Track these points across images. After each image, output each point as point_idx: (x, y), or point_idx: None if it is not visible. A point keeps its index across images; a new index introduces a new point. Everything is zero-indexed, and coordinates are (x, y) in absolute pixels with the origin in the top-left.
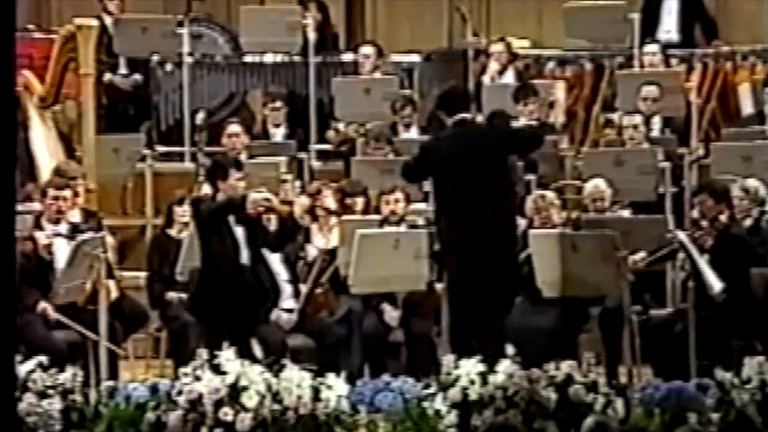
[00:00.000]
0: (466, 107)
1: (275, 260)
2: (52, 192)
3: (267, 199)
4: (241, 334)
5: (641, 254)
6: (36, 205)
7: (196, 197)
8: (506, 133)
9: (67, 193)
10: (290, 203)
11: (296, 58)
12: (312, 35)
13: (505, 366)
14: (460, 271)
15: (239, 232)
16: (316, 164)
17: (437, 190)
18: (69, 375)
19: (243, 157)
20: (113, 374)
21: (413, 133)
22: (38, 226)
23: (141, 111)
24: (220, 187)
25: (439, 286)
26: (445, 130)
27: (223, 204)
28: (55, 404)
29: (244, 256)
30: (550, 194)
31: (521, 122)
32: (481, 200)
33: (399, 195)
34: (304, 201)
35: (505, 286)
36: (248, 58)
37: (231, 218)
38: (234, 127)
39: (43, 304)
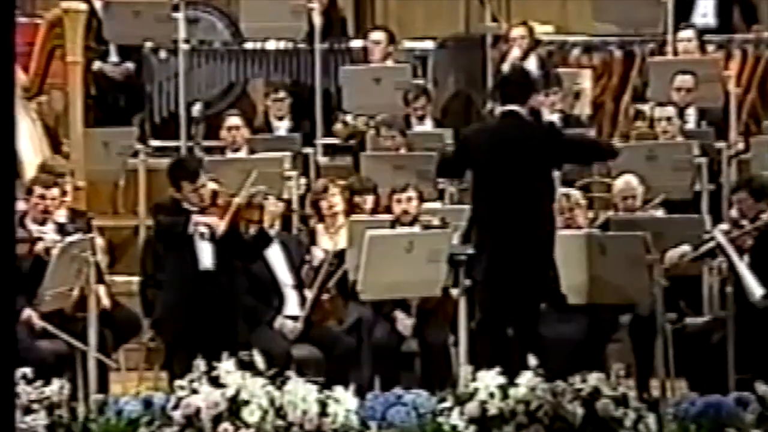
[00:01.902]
0: (524, 97)
1: (278, 264)
2: (38, 190)
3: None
4: (214, 347)
5: (684, 247)
6: (20, 205)
7: (157, 203)
8: (558, 139)
9: (55, 191)
10: (261, 208)
11: (301, 45)
12: (318, 20)
13: (527, 378)
14: (490, 275)
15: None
16: (322, 160)
17: (476, 186)
18: (55, 388)
19: (243, 151)
20: (103, 387)
21: (427, 126)
22: (22, 226)
23: (133, 102)
24: (184, 191)
25: (455, 292)
26: (491, 119)
27: (170, 225)
28: (40, 420)
29: (208, 263)
30: (576, 193)
31: (546, 115)
32: (521, 201)
33: (412, 193)
34: (274, 206)
35: (535, 292)
36: (249, 45)
37: (194, 219)
38: (233, 120)
39: (27, 312)
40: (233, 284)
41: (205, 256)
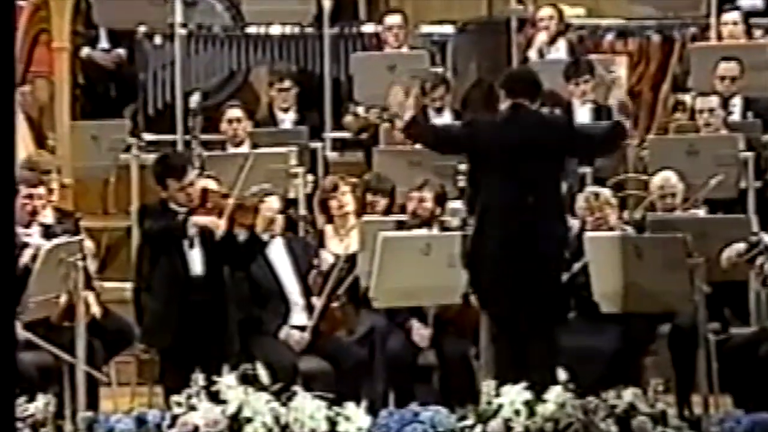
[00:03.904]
0: (533, 95)
1: (284, 269)
2: (23, 190)
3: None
4: (205, 359)
5: (740, 245)
6: None
7: (142, 205)
8: (572, 132)
9: (41, 190)
10: (255, 210)
11: (308, 30)
12: (327, 2)
13: (555, 394)
14: (496, 281)
15: (195, 243)
16: (331, 155)
17: (472, 178)
18: (40, 404)
19: (245, 146)
20: (92, 403)
21: (446, 118)
22: None
23: (125, 92)
24: (170, 190)
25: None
26: (500, 112)
27: (162, 230)
28: None
29: (198, 268)
30: (606, 192)
31: (577, 107)
32: (526, 198)
33: (427, 193)
34: (266, 210)
35: (553, 298)
36: (252, 30)
37: (194, 220)
38: (235, 112)
39: None
40: (224, 292)
41: (195, 261)
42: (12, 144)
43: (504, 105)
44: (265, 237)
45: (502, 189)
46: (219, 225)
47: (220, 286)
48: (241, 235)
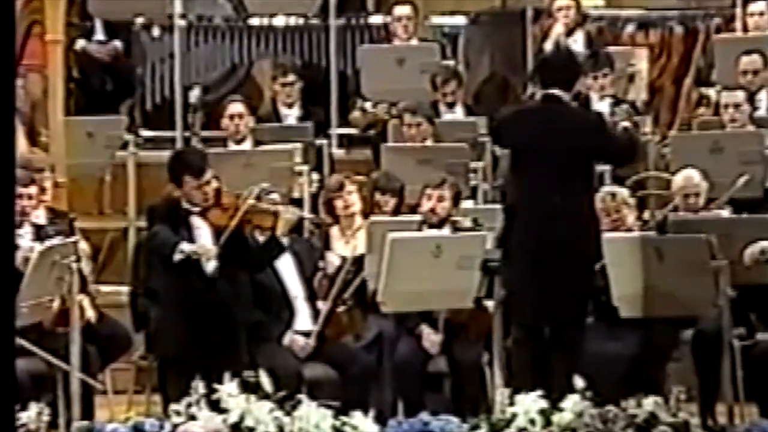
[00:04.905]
0: (569, 84)
1: (288, 272)
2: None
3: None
4: (216, 366)
5: (764, 243)
6: None
7: (151, 206)
8: (601, 133)
9: (33, 190)
10: (275, 215)
11: (313, 21)
12: None
13: (572, 402)
14: (527, 283)
15: (207, 239)
16: (337, 153)
17: (510, 180)
18: (33, 414)
19: (248, 143)
20: (88, 412)
21: (458, 113)
22: None
23: (121, 86)
24: (186, 187)
25: (489, 304)
26: (530, 103)
27: (153, 247)
28: None
29: (211, 271)
30: (623, 191)
31: (595, 102)
32: (561, 198)
33: (446, 192)
34: (289, 212)
35: (579, 303)
36: (254, 21)
37: (196, 221)
38: (236, 107)
39: None
40: (238, 295)
41: (209, 264)
42: (12, 144)
43: (535, 93)
44: (285, 241)
45: (529, 188)
46: (209, 251)
47: (233, 290)
48: (260, 237)
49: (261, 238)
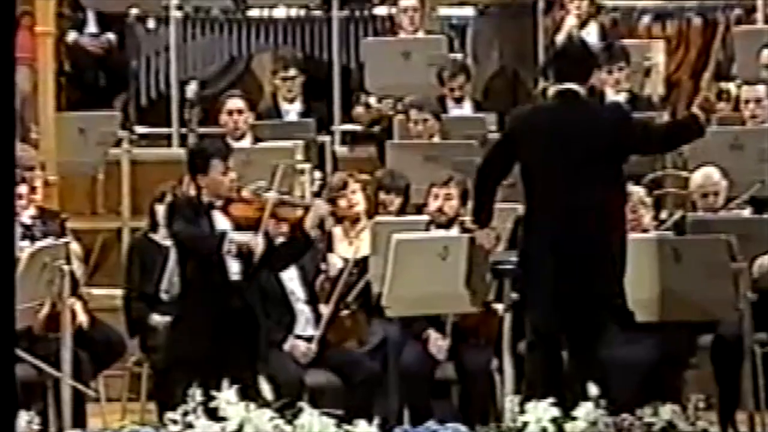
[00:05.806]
0: (585, 78)
1: (288, 275)
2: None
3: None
4: (237, 371)
5: None
6: None
7: (171, 201)
8: (627, 123)
9: (23, 188)
10: (306, 209)
11: (315, 13)
12: None
13: (586, 411)
14: (543, 287)
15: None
16: (340, 150)
17: (526, 181)
18: (23, 422)
19: (247, 140)
20: (80, 421)
21: (466, 109)
22: None
23: (115, 81)
24: (212, 173)
25: (499, 308)
26: (544, 100)
27: (196, 241)
28: None
29: (236, 272)
30: (639, 190)
31: (610, 97)
32: (582, 199)
33: (453, 190)
34: (321, 207)
35: (598, 308)
36: (254, 12)
37: (218, 217)
38: (235, 102)
39: None
40: (261, 297)
41: (233, 264)
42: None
43: (548, 88)
44: (313, 234)
45: (556, 190)
46: (257, 243)
47: (256, 292)
48: (281, 234)
49: (281, 236)
